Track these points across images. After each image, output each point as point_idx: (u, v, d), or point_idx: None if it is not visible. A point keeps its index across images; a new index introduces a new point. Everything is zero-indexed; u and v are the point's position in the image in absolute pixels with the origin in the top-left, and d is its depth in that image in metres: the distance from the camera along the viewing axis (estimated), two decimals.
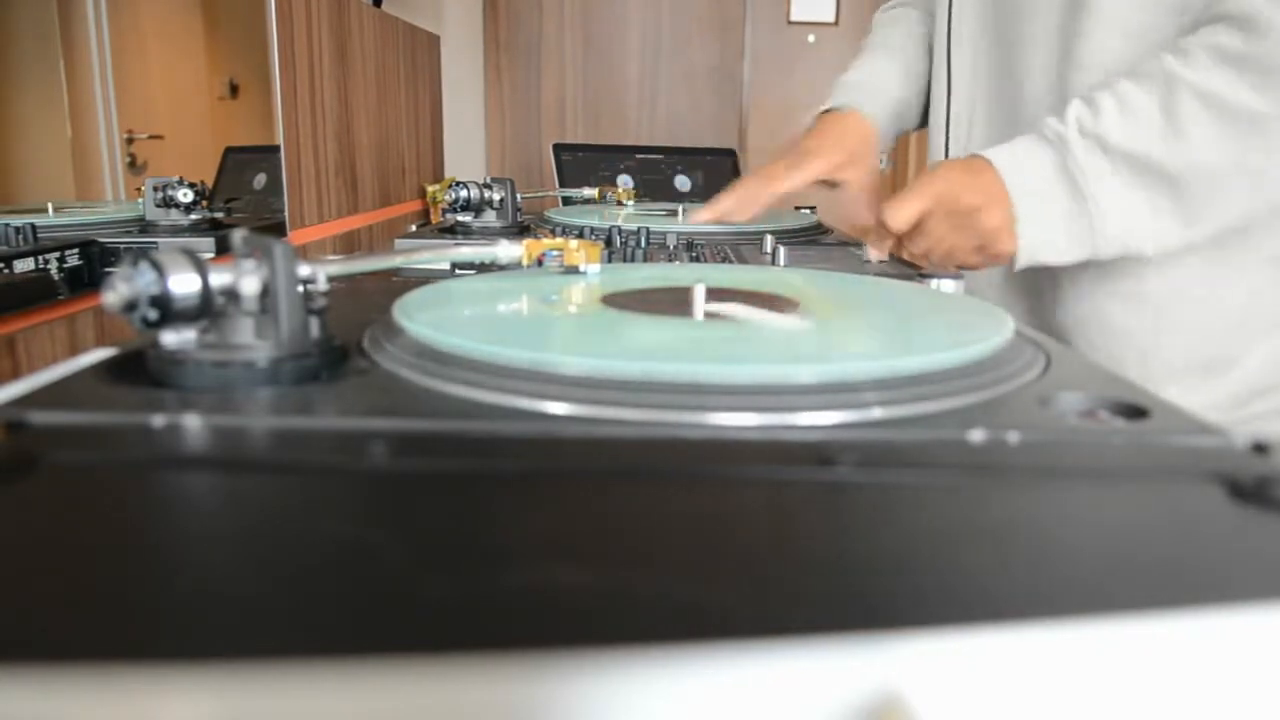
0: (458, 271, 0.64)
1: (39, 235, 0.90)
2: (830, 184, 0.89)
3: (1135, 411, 0.34)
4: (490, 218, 0.92)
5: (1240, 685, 0.19)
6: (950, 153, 0.87)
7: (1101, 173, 0.65)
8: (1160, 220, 0.65)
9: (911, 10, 1.00)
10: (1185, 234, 0.66)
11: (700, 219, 0.90)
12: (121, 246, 0.96)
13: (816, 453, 0.29)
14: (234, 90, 1.45)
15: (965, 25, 0.85)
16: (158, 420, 0.30)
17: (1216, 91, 0.61)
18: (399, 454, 0.28)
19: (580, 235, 0.85)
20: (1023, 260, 0.68)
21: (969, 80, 0.86)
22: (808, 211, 1.12)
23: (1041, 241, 0.67)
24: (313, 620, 0.18)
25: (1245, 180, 0.63)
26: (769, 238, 0.80)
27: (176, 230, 1.07)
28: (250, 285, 0.34)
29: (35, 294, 0.84)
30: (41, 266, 0.85)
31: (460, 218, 0.92)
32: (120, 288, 0.33)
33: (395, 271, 0.62)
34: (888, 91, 0.94)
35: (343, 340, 0.38)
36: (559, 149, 1.58)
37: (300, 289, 0.35)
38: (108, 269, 0.86)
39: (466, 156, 2.59)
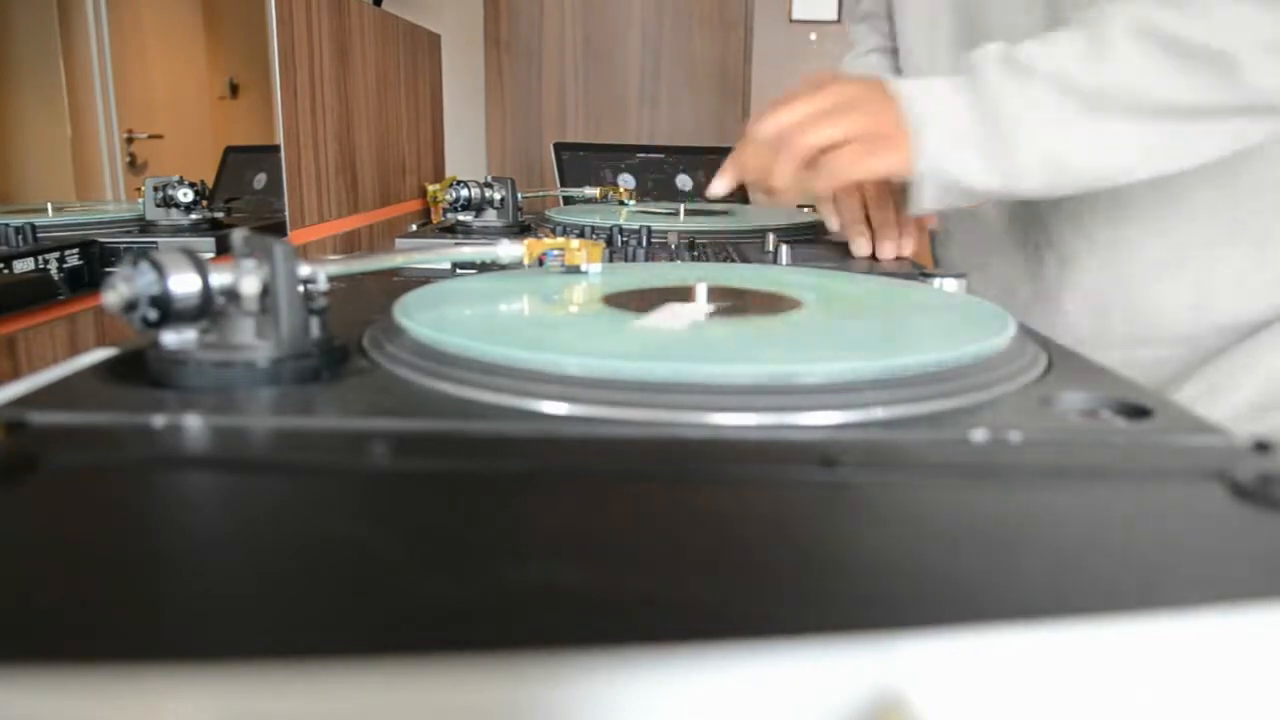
0: (458, 271, 0.64)
1: (39, 235, 0.90)
2: None
3: (1137, 411, 0.34)
4: (491, 217, 0.92)
5: (1242, 684, 0.19)
6: None
7: (1009, 87, 0.58)
8: (1081, 137, 0.58)
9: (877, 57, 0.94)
10: (1119, 160, 0.59)
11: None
12: (121, 246, 0.96)
13: (818, 453, 0.29)
14: (234, 90, 1.45)
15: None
16: (158, 420, 0.30)
17: (1154, 19, 0.56)
18: (400, 454, 0.28)
19: (581, 235, 0.85)
20: (925, 170, 0.59)
21: None
22: (808, 210, 1.12)
23: (945, 152, 0.59)
24: (313, 620, 0.18)
25: (1179, 116, 0.57)
26: (771, 236, 0.80)
27: (176, 230, 1.07)
28: (250, 285, 0.34)
29: (35, 294, 0.84)
30: (41, 266, 0.85)
31: (461, 217, 0.92)
32: (120, 288, 0.33)
33: (396, 271, 0.62)
34: None
35: (343, 340, 0.38)
36: (560, 148, 1.58)
37: (300, 289, 0.35)
38: (108, 269, 0.86)
39: (467, 156, 2.59)
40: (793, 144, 0.61)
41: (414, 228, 1.02)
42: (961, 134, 0.59)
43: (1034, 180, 0.59)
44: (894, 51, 0.93)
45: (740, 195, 1.48)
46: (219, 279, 0.34)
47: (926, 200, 0.62)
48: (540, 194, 1.50)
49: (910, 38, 0.84)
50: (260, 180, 1.37)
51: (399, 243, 0.82)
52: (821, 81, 0.63)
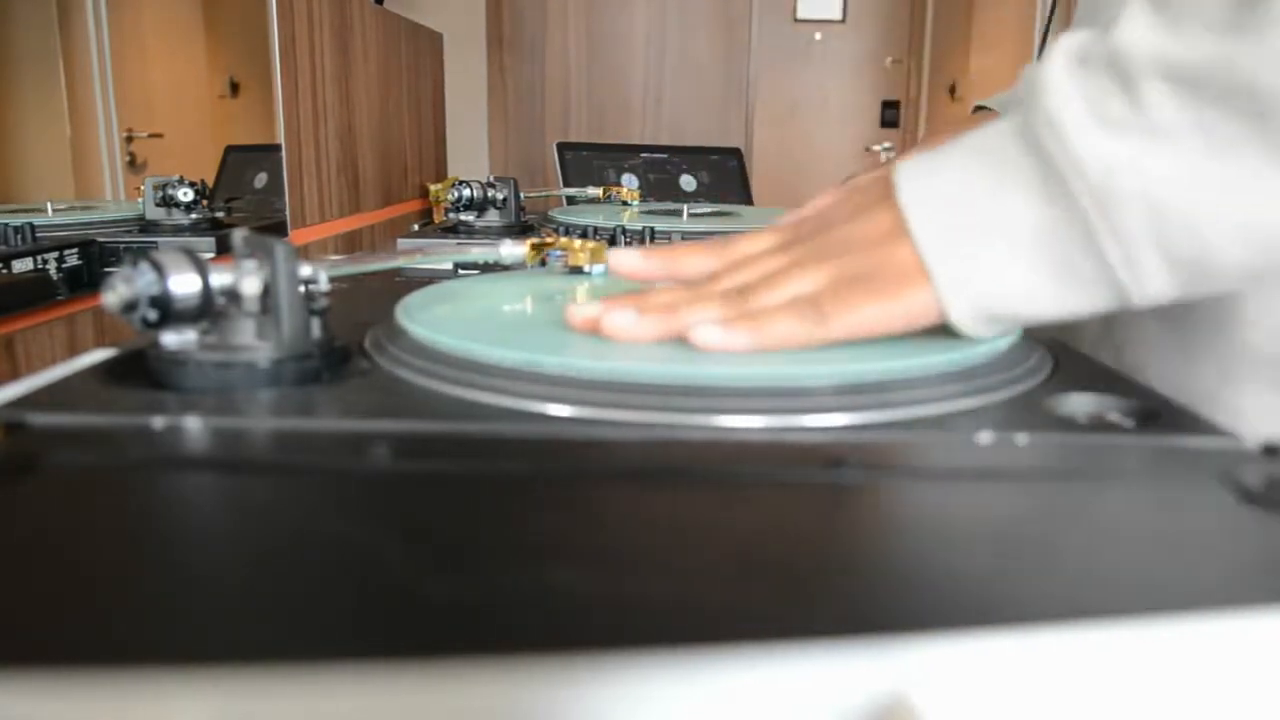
0: (460, 272, 0.64)
1: (38, 235, 0.90)
2: None
3: (1144, 413, 0.33)
4: (493, 217, 0.92)
5: (1248, 689, 0.19)
6: None
7: (1108, 111, 0.33)
8: (1245, 182, 0.32)
9: None
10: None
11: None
12: (121, 246, 0.96)
13: (824, 455, 0.29)
14: (234, 88, 1.45)
15: None
16: (158, 422, 0.30)
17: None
18: (401, 456, 0.28)
19: (584, 235, 0.85)
20: (960, 313, 0.36)
21: None
22: None
23: (982, 274, 0.35)
24: (314, 623, 0.18)
25: None
26: None
27: (177, 230, 1.07)
28: (251, 286, 0.34)
29: (34, 294, 0.84)
30: (40, 266, 0.85)
31: (463, 217, 0.92)
32: (120, 288, 0.32)
33: (398, 272, 0.62)
34: None
35: (344, 341, 0.38)
36: (562, 148, 1.58)
37: (302, 289, 0.35)
38: (107, 269, 0.86)
39: (469, 155, 2.60)
40: (746, 304, 0.38)
41: (416, 228, 1.01)
42: (1007, 241, 0.35)
43: (1163, 286, 0.34)
44: None
45: (744, 196, 1.49)
46: (219, 279, 0.33)
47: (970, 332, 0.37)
48: (543, 194, 1.50)
49: None
50: (261, 180, 1.37)
51: (401, 243, 0.82)
52: (803, 227, 0.41)
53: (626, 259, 0.43)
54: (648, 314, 0.38)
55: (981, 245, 0.35)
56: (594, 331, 0.38)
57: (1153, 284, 0.34)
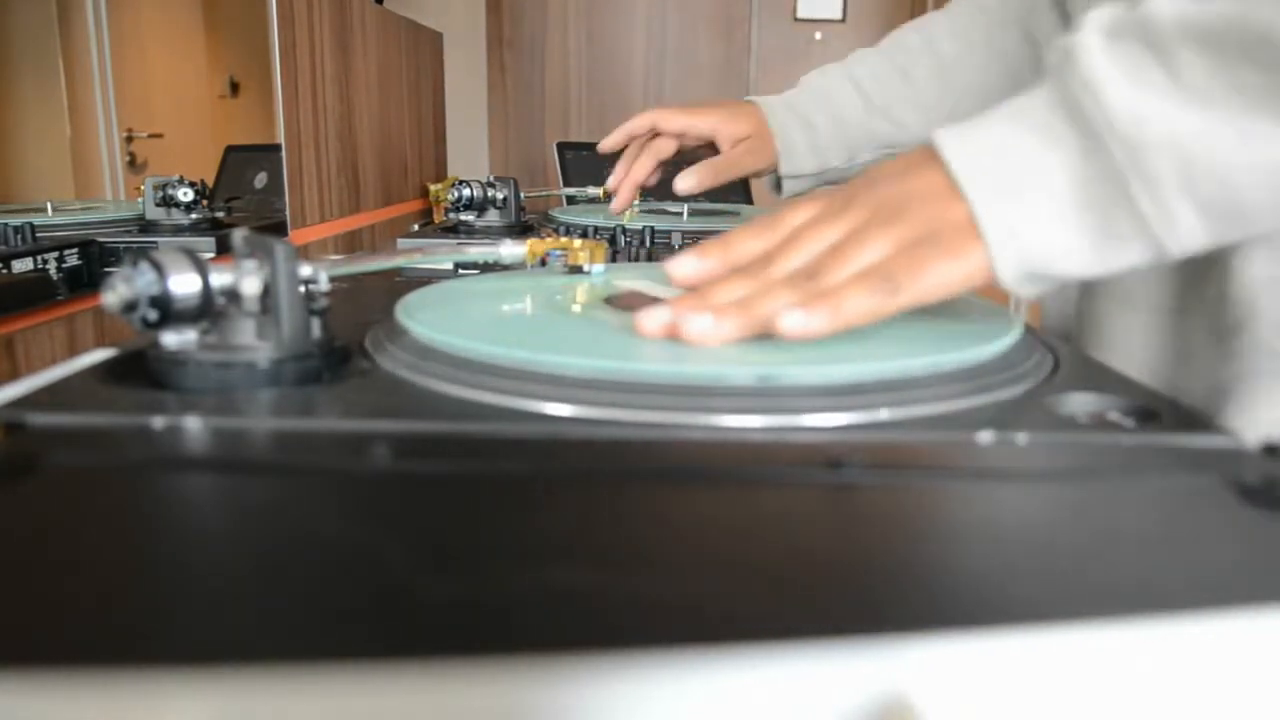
0: (460, 271, 0.64)
1: (38, 235, 0.90)
2: (710, 149, 0.83)
3: (1145, 413, 0.33)
4: (493, 217, 0.92)
5: (1249, 688, 0.19)
6: None
7: (1146, 77, 0.36)
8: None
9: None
10: None
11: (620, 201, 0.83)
12: (121, 246, 0.96)
13: (824, 455, 0.29)
14: (234, 88, 1.45)
15: None
16: (158, 422, 0.30)
17: None
18: (401, 456, 0.28)
19: (585, 235, 0.85)
20: (1007, 270, 0.37)
21: None
22: None
23: (1027, 230, 0.37)
24: (314, 623, 0.18)
25: None
26: None
27: (177, 230, 1.07)
28: (251, 285, 0.34)
29: (34, 294, 0.84)
30: (40, 266, 0.85)
31: (463, 217, 0.92)
32: (120, 288, 0.32)
33: (398, 271, 0.62)
34: (830, 112, 0.82)
35: (345, 341, 0.38)
36: (562, 147, 1.58)
37: (302, 289, 0.35)
38: (107, 269, 0.86)
39: (469, 155, 2.60)
40: (817, 284, 0.38)
41: (416, 227, 1.01)
42: (1052, 201, 0.37)
43: (1202, 236, 0.36)
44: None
45: (744, 195, 1.49)
46: (219, 279, 0.33)
47: (1015, 288, 0.39)
48: (543, 193, 1.50)
49: None
50: (261, 179, 1.37)
51: (401, 243, 0.82)
52: (850, 193, 0.41)
53: (687, 267, 0.42)
54: (724, 314, 0.37)
55: (1026, 203, 0.37)
56: (671, 338, 0.37)
57: (1186, 232, 0.36)
